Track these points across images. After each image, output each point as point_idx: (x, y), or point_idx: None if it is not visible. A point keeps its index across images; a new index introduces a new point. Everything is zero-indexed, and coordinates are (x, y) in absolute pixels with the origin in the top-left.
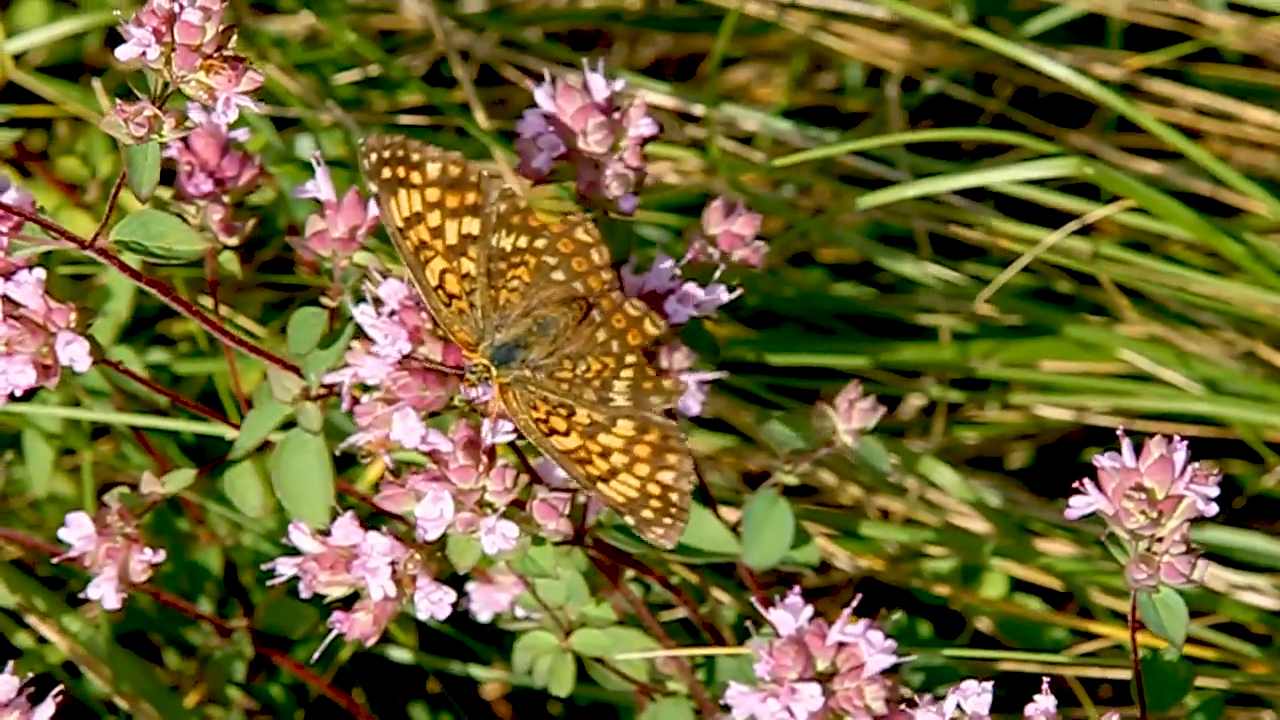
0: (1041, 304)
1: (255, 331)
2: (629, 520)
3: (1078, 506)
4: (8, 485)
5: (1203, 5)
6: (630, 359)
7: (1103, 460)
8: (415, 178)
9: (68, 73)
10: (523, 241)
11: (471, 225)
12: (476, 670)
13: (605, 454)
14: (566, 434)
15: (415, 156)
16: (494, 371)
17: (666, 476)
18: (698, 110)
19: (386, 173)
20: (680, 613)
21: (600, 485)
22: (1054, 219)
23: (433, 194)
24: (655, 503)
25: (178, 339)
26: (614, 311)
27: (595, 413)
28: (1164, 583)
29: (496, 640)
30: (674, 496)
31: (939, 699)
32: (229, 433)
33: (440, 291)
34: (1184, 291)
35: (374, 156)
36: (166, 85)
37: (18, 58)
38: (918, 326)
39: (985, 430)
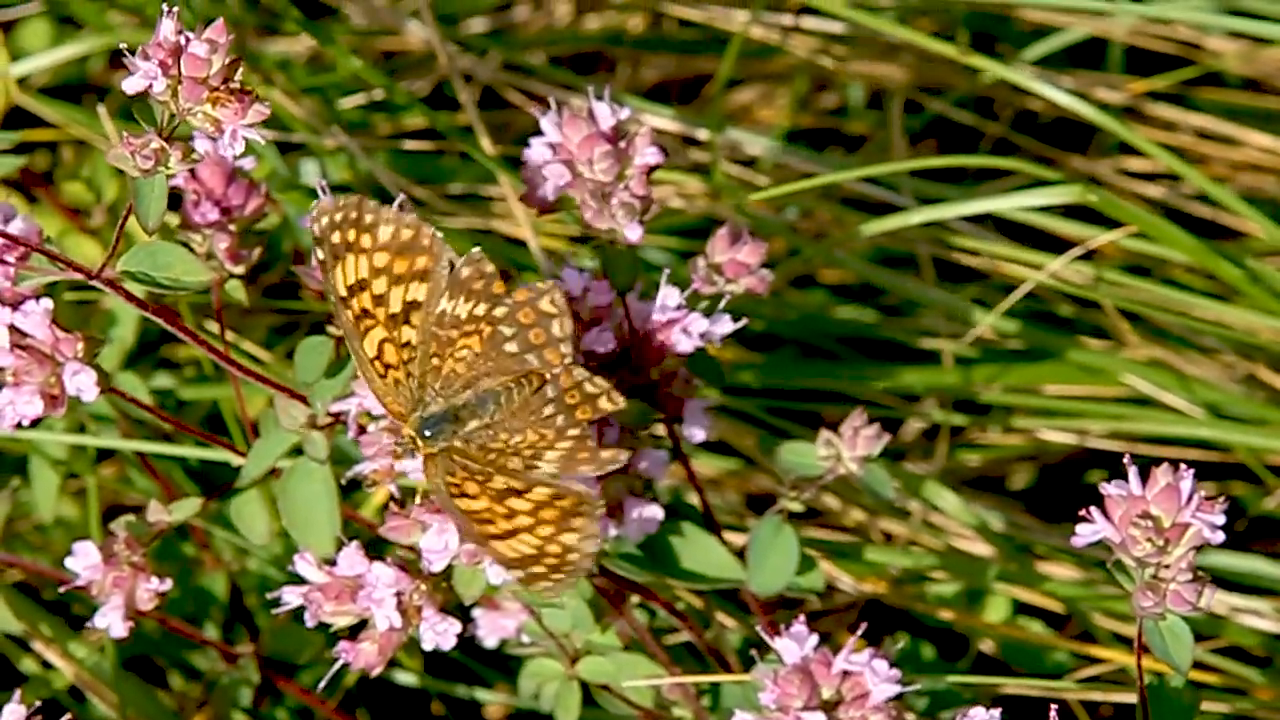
0: (1043, 328)
1: (260, 356)
2: (513, 575)
3: (1084, 534)
4: (14, 509)
5: (1205, 30)
6: (573, 432)
7: (1109, 488)
8: (365, 241)
9: (71, 94)
10: (480, 309)
11: (418, 291)
12: (482, 694)
13: (510, 516)
14: (475, 497)
15: (368, 218)
16: (420, 444)
17: (570, 539)
18: (701, 134)
19: (336, 237)
20: (685, 637)
21: (494, 543)
22: (1055, 243)
23: (381, 259)
24: (551, 560)
25: (183, 363)
26: (571, 389)
27: (513, 480)
28: (1170, 610)
29: (501, 664)
30: (573, 557)
31: None
32: (233, 459)
33: (377, 362)
34: (1185, 316)
35: (325, 220)
36: (173, 117)
37: (21, 81)
38: (920, 350)
39: (987, 453)
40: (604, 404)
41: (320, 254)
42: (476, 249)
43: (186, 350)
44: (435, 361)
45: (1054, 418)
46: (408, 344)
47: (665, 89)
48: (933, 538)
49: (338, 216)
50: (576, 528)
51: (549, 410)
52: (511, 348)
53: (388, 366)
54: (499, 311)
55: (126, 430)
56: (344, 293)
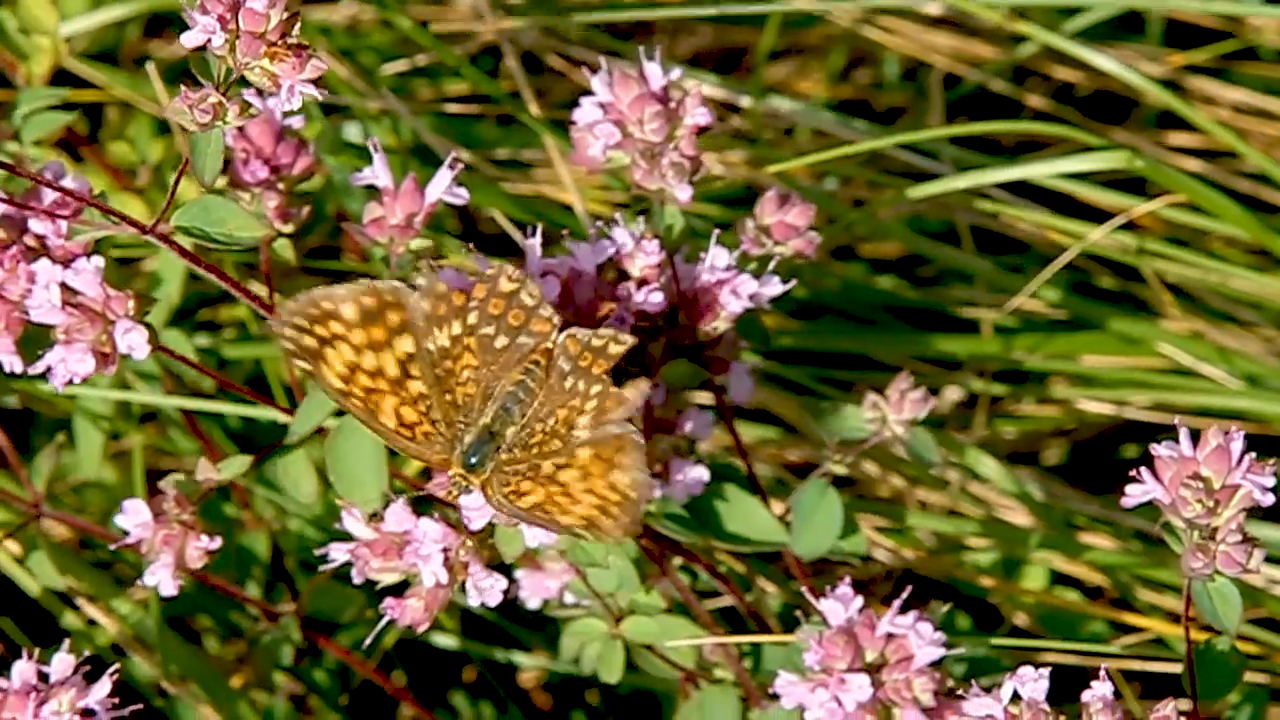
0: (1084, 298)
1: None
2: (588, 535)
3: (1134, 495)
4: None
5: (1244, 3)
6: (595, 389)
7: (1160, 449)
8: (337, 327)
9: (107, 62)
10: (456, 327)
11: (405, 343)
12: (519, 657)
13: (565, 490)
14: (531, 492)
15: (327, 305)
16: (472, 478)
17: (621, 477)
18: (743, 101)
19: (309, 341)
20: (725, 601)
21: (561, 521)
22: (1095, 214)
23: (359, 336)
24: (613, 506)
25: (224, 324)
26: (579, 352)
27: (557, 458)
28: (1220, 572)
29: (538, 627)
30: (631, 493)
31: (986, 689)
32: (280, 417)
33: (402, 429)
34: (1224, 288)
35: (289, 330)
36: (230, 72)
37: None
38: (959, 320)
39: (1024, 424)
40: (612, 349)
41: (302, 364)
42: (421, 277)
43: (228, 311)
44: (449, 397)
45: (1092, 388)
46: (420, 395)
47: (702, 60)
48: (971, 506)
49: (300, 320)
50: (623, 464)
51: (569, 381)
52: (501, 342)
53: (412, 425)
54: (471, 318)
55: (171, 389)
56: (341, 385)
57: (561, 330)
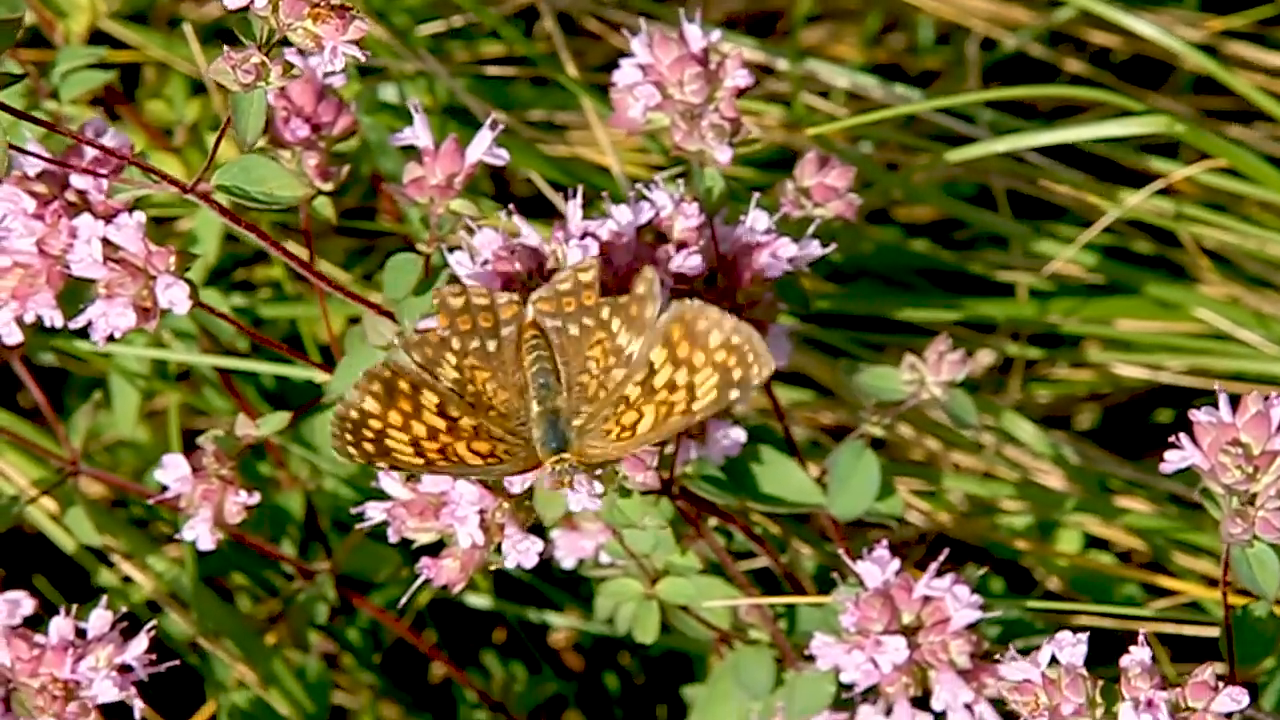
0: (1120, 264)
1: (338, 278)
2: (734, 396)
3: (1172, 461)
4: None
5: None
6: (605, 312)
7: (1199, 415)
8: (375, 424)
9: (140, 24)
10: (452, 359)
11: (430, 398)
12: (552, 617)
13: (675, 386)
14: (640, 418)
15: (354, 413)
16: (568, 456)
17: (716, 336)
18: (779, 64)
19: (369, 446)
20: (760, 563)
21: (696, 414)
22: (1131, 179)
23: (394, 417)
24: (734, 362)
25: (259, 284)
26: (552, 307)
27: (633, 380)
28: (1259, 538)
29: (570, 588)
30: (737, 338)
31: (1022, 653)
32: (316, 376)
33: (488, 460)
34: (1262, 253)
35: (350, 449)
36: (272, 33)
37: None
38: (995, 284)
39: (1059, 388)
40: (584, 278)
41: (382, 466)
42: (397, 338)
43: (263, 271)
44: (493, 413)
45: (1128, 352)
46: (475, 427)
47: (736, 23)
48: (1006, 470)
49: (349, 435)
50: (707, 324)
51: (573, 329)
52: (492, 346)
53: (492, 452)
54: (455, 345)
55: (207, 348)
56: (421, 461)
57: (526, 302)
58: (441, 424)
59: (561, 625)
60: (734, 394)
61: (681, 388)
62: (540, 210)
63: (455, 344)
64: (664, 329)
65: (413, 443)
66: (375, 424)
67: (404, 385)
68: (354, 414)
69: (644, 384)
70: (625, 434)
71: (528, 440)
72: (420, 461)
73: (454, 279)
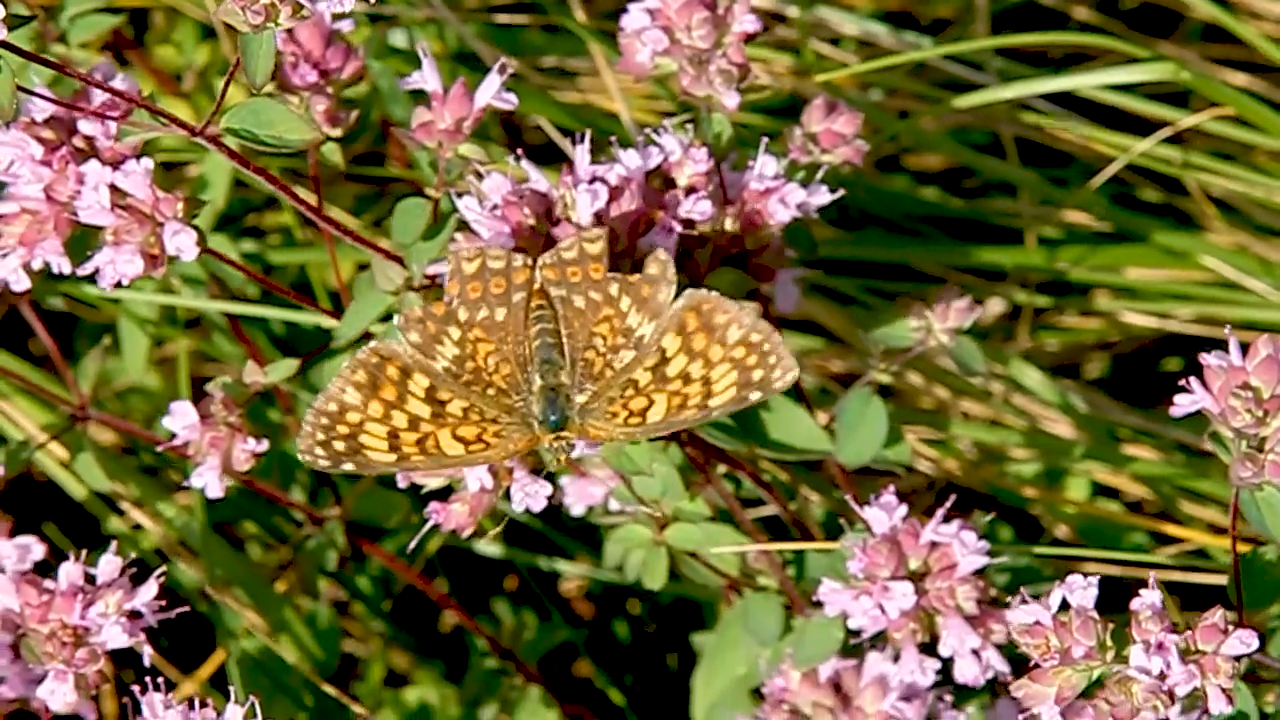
0: (1127, 211)
1: (348, 224)
2: (754, 398)
3: (1183, 405)
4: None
5: None
6: (614, 289)
7: (1209, 359)
8: (353, 417)
9: None
10: (454, 333)
11: (419, 381)
12: (562, 565)
13: (690, 378)
14: (650, 405)
15: (333, 406)
16: (568, 434)
17: (735, 332)
18: (790, 11)
19: (340, 445)
20: (768, 511)
21: (714, 410)
22: (1140, 127)
23: (375, 408)
24: (754, 361)
25: (268, 231)
26: (557, 275)
27: (643, 364)
28: (1269, 481)
29: (581, 536)
30: (756, 336)
31: (1030, 598)
32: (325, 322)
33: (470, 448)
34: (1270, 202)
35: (319, 450)
36: None
37: None
38: (1003, 231)
39: (1066, 336)
40: (592, 250)
41: (349, 467)
42: (397, 318)
43: (273, 218)
44: (492, 389)
45: (1136, 300)
46: (465, 410)
47: None
48: (1014, 418)
49: (320, 435)
50: (724, 316)
51: (579, 301)
52: (501, 315)
53: (478, 438)
54: (462, 315)
55: (216, 294)
56: (394, 457)
57: (535, 266)
58: (426, 411)
59: (572, 573)
60: (754, 395)
61: (697, 380)
62: (551, 157)
63: (462, 315)
64: (678, 315)
65: (390, 435)
66: (353, 417)
67: (392, 371)
68: (332, 406)
69: (655, 370)
70: (634, 420)
71: (524, 418)
72: (392, 458)
73: (463, 224)
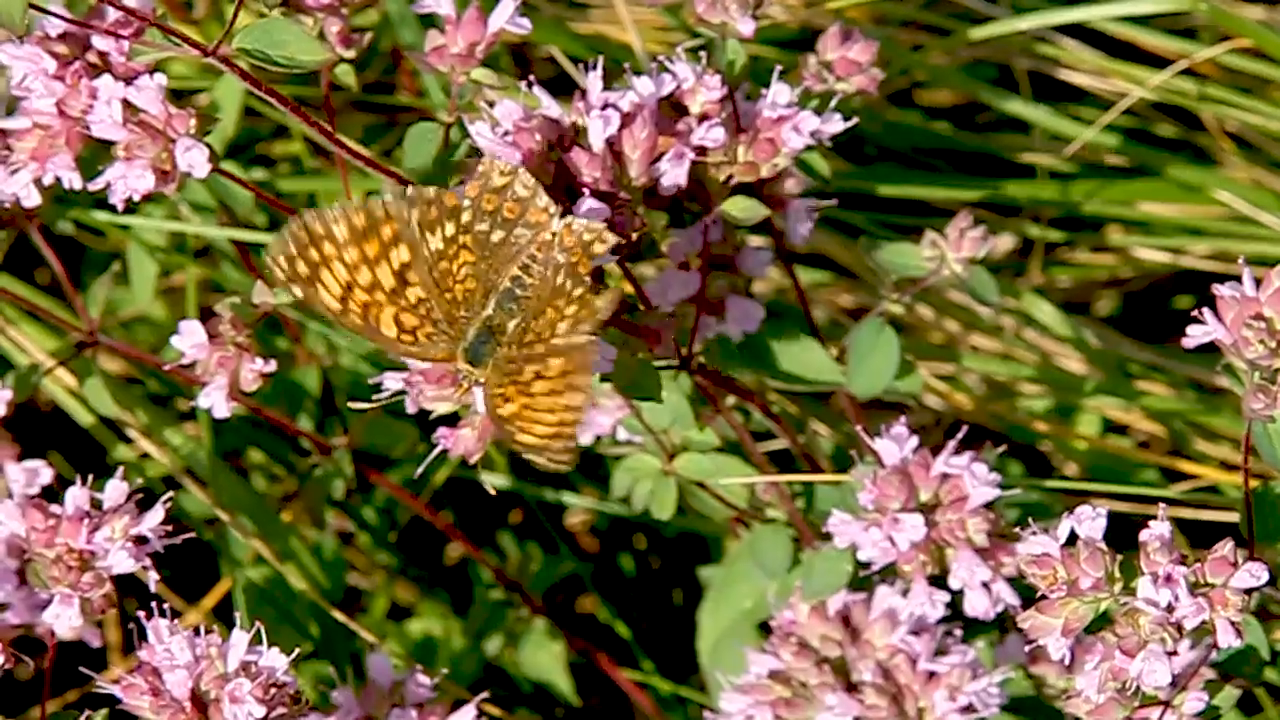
0: (1142, 145)
1: (358, 153)
2: (536, 459)
3: (1195, 335)
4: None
5: None
6: (577, 291)
7: (1222, 289)
8: (329, 249)
9: None
10: (450, 228)
11: (401, 254)
12: (568, 497)
13: (534, 406)
14: (512, 400)
15: (319, 228)
16: (476, 373)
17: (574, 399)
18: None
19: (302, 267)
20: (778, 445)
21: (527, 438)
22: (1154, 60)
23: (351, 254)
24: (567, 430)
25: (278, 159)
26: (570, 242)
27: (537, 364)
28: None
29: (588, 470)
30: (569, 417)
31: (1040, 530)
32: None
33: (403, 335)
34: None
35: (283, 259)
36: None
37: None
38: (1017, 165)
39: (1079, 272)
40: (596, 248)
41: (296, 291)
42: (415, 191)
43: (282, 147)
44: (449, 295)
45: (1150, 235)
46: (419, 300)
47: None
48: (1025, 353)
49: (292, 247)
50: (577, 384)
51: (559, 278)
52: (498, 236)
53: (414, 330)
54: (465, 217)
55: (225, 222)
56: (338, 305)
57: (561, 219)
58: (390, 283)
59: (578, 506)
60: (539, 457)
61: (533, 410)
62: (563, 88)
63: (465, 217)
64: (572, 345)
65: (346, 286)
66: (329, 249)
67: (387, 231)
68: (319, 228)
69: (535, 376)
70: (498, 401)
71: (456, 338)
72: (336, 309)
73: (474, 151)
